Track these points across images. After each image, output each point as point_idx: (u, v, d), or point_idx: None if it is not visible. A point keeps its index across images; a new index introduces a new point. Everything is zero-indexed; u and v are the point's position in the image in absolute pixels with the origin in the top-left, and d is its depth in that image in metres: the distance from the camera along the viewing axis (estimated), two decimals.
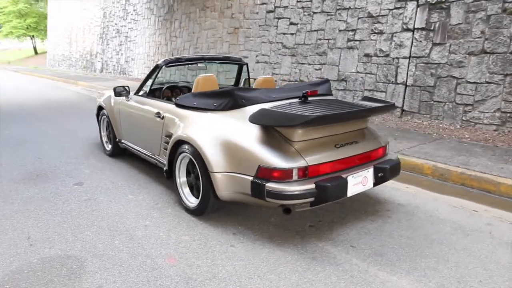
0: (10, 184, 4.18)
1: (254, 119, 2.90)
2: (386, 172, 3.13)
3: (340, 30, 7.73)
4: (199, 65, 4.61)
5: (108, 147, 5.19)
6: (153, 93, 4.52)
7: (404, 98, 6.66)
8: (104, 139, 5.30)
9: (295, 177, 2.77)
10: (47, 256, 2.76)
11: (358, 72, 7.37)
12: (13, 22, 36.14)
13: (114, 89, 4.41)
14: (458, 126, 5.95)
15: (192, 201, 3.39)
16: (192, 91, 3.88)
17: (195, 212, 3.33)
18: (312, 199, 2.75)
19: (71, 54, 23.25)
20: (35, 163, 4.93)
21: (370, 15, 7.15)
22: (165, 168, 3.66)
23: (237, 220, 3.27)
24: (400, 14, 6.70)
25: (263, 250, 2.81)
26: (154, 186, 4.06)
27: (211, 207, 3.23)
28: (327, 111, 2.94)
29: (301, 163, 2.79)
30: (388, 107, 3.29)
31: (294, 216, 3.30)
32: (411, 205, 3.56)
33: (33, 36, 39.06)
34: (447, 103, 6.12)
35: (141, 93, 4.46)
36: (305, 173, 2.80)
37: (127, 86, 4.50)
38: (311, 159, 2.84)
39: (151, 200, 3.71)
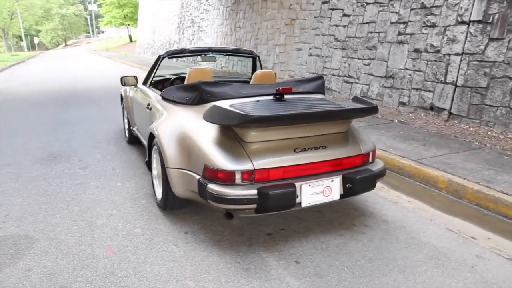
0: (28, 163, 4.57)
1: (204, 116, 2.76)
2: (354, 183, 2.78)
3: (391, 23, 7.07)
4: (208, 55, 4.55)
5: (127, 134, 5.41)
6: (157, 84, 4.58)
7: (452, 99, 5.90)
8: (126, 126, 5.53)
9: (238, 180, 2.59)
10: (8, 234, 2.95)
11: (406, 69, 6.70)
12: (113, 12, 39.60)
13: (121, 79, 4.54)
14: (510, 136, 5.10)
15: (158, 194, 3.37)
16: (184, 83, 3.84)
17: (161, 206, 3.31)
18: (254, 206, 2.55)
19: (154, 42, 24.78)
20: (62, 145, 5.33)
21: (423, 6, 6.42)
22: (146, 159, 3.68)
23: (198, 219, 3.18)
24: (456, 4, 5.90)
25: (201, 254, 2.69)
26: (147, 177, 4.12)
27: (171, 203, 3.18)
28: (283, 111, 2.69)
29: (247, 166, 2.60)
30: (366, 110, 2.92)
31: (259, 221, 3.11)
32: (397, 223, 3.14)
33: (128, 25, 42.38)
34: (500, 108, 5.28)
35: (148, 83, 4.55)
36: (251, 177, 2.61)
37: (135, 76, 4.61)
38: (260, 163, 2.63)
39: (133, 190, 3.78)
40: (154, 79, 4.64)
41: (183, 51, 4.45)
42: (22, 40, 57.72)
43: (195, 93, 3.14)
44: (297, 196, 2.63)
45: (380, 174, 3.02)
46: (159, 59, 4.31)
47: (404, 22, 6.80)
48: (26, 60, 27.99)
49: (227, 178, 2.60)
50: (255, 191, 2.54)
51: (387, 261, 2.61)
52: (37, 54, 40.41)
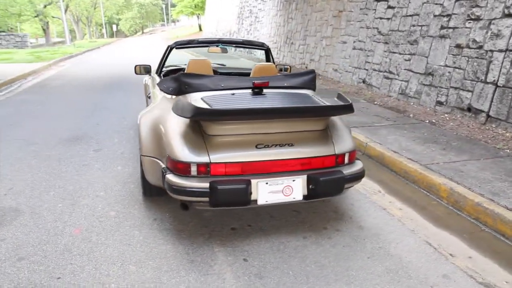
0: (52, 143, 4.96)
1: (172, 107, 2.80)
2: (317, 185, 2.66)
3: (435, 16, 6.54)
4: (218, 47, 4.56)
5: None
6: (170, 73, 4.70)
7: (492, 101, 5.34)
8: None
9: (194, 172, 2.61)
10: (1, 206, 3.25)
11: (446, 65, 6.17)
12: (184, 2, 40.95)
13: (135, 67, 4.72)
14: None
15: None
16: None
17: (143, 192, 3.43)
18: (206, 199, 2.56)
19: (217, 31, 25.30)
20: (90, 128, 5.70)
21: None
22: (139, 146, 3.82)
23: (173, 208, 3.24)
24: None
25: (158, 241, 2.76)
26: None
27: (148, 190, 3.28)
28: (247, 106, 2.65)
29: (204, 159, 2.60)
30: (336, 108, 2.76)
31: (230, 215, 3.10)
32: (372, 231, 2.95)
33: (198, 14, 43.59)
34: None
35: (158, 72, 4.68)
36: (207, 171, 2.61)
37: (148, 65, 4.77)
38: (217, 157, 2.62)
39: (128, 175, 3.95)
40: (167, 68, 4.77)
41: (191, 42, 4.50)
42: (104, 28, 62.12)
43: (175, 84, 3.19)
44: (251, 193, 2.58)
45: (352, 178, 2.84)
46: (168, 49, 4.42)
47: (447, 15, 6.25)
48: (102, 47, 29.97)
49: (184, 169, 2.62)
50: (206, 185, 2.54)
51: (339, 270, 2.47)
52: (114, 41, 43.10)
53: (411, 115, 6.13)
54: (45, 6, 34.85)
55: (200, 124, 2.74)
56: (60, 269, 2.43)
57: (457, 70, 5.96)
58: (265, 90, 3.10)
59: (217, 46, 4.60)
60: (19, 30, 38.91)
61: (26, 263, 2.49)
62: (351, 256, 2.61)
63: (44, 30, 37.03)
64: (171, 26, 73.69)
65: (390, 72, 7.57)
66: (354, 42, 8.98)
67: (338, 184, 2.73)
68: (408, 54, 7.11)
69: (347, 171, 2.83)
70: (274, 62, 4.81)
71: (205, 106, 2.73)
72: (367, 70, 8.36)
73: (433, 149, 4.47)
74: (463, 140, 4.84)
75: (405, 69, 7.16)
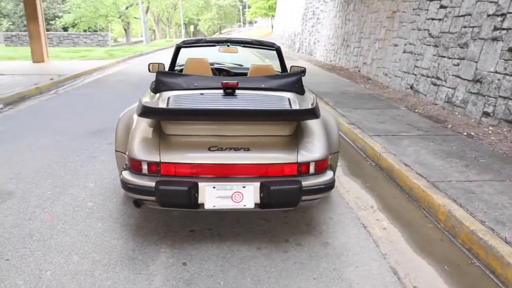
0: (78, 135, 5.29)
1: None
2: (267, 194, 2.49)
3: (488, 15, 5.85)
4: (224, 47, 4.51)
5: None
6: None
7: None
8: None
9: (145, 171, 2.60)
10: (2, 189, 3.53)
11: (496, 72, 5.48)
12: (258, 3, 41.54)
13: (148, 65, 4.84)
14: None
15: None
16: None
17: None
18: (153, 198, 2.53)
19: (284, 33, 25.26)
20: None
21: None
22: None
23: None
24: None
25: (114, 235, 2.81)
26: None
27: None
28: (202, 106, 2.58)
29: (154, 158, 2.59)
30: (294, 113, 2.57)
31: (199, 217, 3.04)
32: (337, 250, 2.70)
33: (272, 15, 43.97)
34: None
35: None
36: (157, 170, 2.58)
37: (162, 64, 4.86)
38: (168, 157, 2.58)
39: None
40: (181, 67, 4.83)
41: (199, 41, 4.51)
42: (183, 28, 65.20)
43: (154, 82, 3.20)
44: (196, 196, 2.49)
45: (314, 190, 2.62)
46: (176, 48, 4.48)
47: (502, 14, 5.55)
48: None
49: (136, 167, 2.63)
50: (152, 184, 2.51)
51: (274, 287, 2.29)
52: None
53: (449, 125, 5.55)
54: (126, 8, 37.55)
55: (160, 124, 2.72)
56: (13, 252, 2.56)
57: (507, 77, 5.27)
58: (239, 91, 2.99)
59: (228, 46, 4.55)
60: (110, 30, 42.27)
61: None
62: (296, 275, 2.41)
63: (125, 30, 39.90)
64: (247, 27, 75.30)
65: (438, 78, 6.93)
66: (405, 45, 8.38)
67: (291, 196, 2.53)
68: (457, 58, 6.44)
69: (309, 182, 2.62)
70: (284, 63, 4.65)
71: (164, 105, 2.70)
72: (415, 75, 7.76)
73: (453, 164, 3.99)
74: (496, 157, 4.26)
75: (453, 75, 6.51)
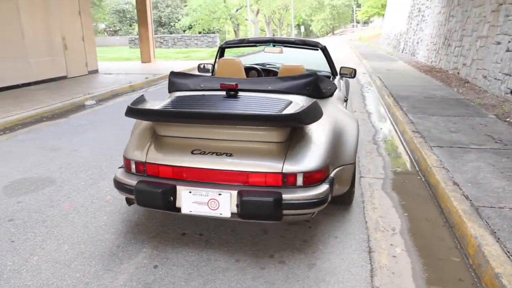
0: None
1: None
2: (241, 205, 2.33)
3: None
4: (270, 47, 4.38)
5: None
6: None
7: None
8: None
9: (133, 170, 2.67)
10: (50, 176, 3.95)
11: None
12: (370, 2, 39.73)
13: (198, 66, 4.94)
14: None
15: None
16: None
17: None
18: (133, 197, 2.57)
19: (390, 32, 23.73)
20: None
21: None
22: None
23: None
24: None
25: (108, 230, 2.91)
26: None
27: None
28: (194, 108, 2.54)
29: (141, 158, 2.63)
30: (273, 118, 2.34)
31: (192, 219, 3.01)
32: (320, 274, 2.40)
33: (383, 15, 41.71)
34: None
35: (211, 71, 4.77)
36: (144, 170, 2.62)
37: (211, 64, 4.92)
38: (153, 157, 2.60)
39: None
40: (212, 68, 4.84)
41: (242, 41, 4.45)
42: (293, 29, 65.74)
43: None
44: (171, 199, 2.45)
45: (298, 205, 2.36)
46: (219, 49, 4.49)
47: None
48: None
49: (127, 165, 2.70)
50: (134, 183, 2.54)
51: None
52: None
53: None
54: (237, 10, 39.31)
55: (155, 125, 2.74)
56: (21, 235, 2.84)
57: None
58: (242, 94, 2.86)
59: (273, 45, 4.40)
60: (227, 32, 44.61)
61: (12, 224, 2.99)
62: None
63: (234, 31, 41.80)
64: (359, 27, 72.74)
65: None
66: (509, 42, 7.15)
67: (265, 208, 2.31)
68: None
69: (294, 195, 2.37)
70: (331, 63, 4.34)
71: (161, 105, 2.71)
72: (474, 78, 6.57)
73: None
74: None
75: None
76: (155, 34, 40.80)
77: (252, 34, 34.88)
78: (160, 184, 2.48)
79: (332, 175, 2.64)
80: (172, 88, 3.12)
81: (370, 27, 75.53)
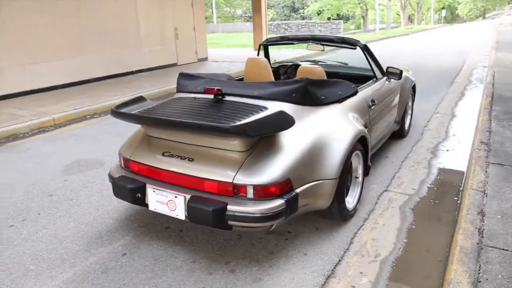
0: None
1: None
2: (187, 209, 2.43)
3: None
4: (312, 45, 4.23)
5: None
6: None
7: None
8: None
9: (122, 165, 2.97)
10: (100, 159, 4.57)
11: None
12: None
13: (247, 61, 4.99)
14: None
15: None
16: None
17: None
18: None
19: None
20: None
21: None
22: None
23: None
24: None
25: (101, 216, 3.27)
26: None
27: None
28: (165, 115, 2.70)
29: (127, 154, 2.91)
30: (208, 128, 2.35)
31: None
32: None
33: None
34: None
35: None
36: (127, 165, 2.90)
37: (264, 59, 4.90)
38: (135, 155, 2.86)
39: None
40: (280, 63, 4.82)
41: (283, 38, 4.36)
42: (433, 13, 59.49)
43: None
44: (140, 196, 2.66)
45: (240, 218, 2.33)
46: (263, 47, 4.50)
47: None
48: (412, 34, 29.12)
49: (119, 160, 3.01)
50: (117, 176, 2.84)
51: None
52: (437, 27, 40.66)
53: None
54: None
55: None
56: (48, 209, 3.40)
57: None
58: (229, 98, 2.90)
59: (311, 43, 4.23)
60: (361, 18, 42.70)
61: (49, 199, 3.60)
62: None
63: (363, 17, 39.80)
64: None
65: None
66: None
67: (205, 216, 2.34)
68: None
69: (240, 207, 2.35)
70: (375, 62, 3.98)
71: (145, 108, 2.92)
72: None
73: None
74: None
75: None
76: (287, 19, 41.64)
77: (381, 19, 32.80)
78: (134, 180, 2.71)
79: (299, 190, 2.52)
80: (177, 89, 3.30)
81: None
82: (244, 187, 2.39)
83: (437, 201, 3.39)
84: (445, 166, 4.12)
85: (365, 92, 3.59)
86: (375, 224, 3.04)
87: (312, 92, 2.88)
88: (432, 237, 2.86)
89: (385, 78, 4.13)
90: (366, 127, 3.42)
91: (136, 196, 2.67)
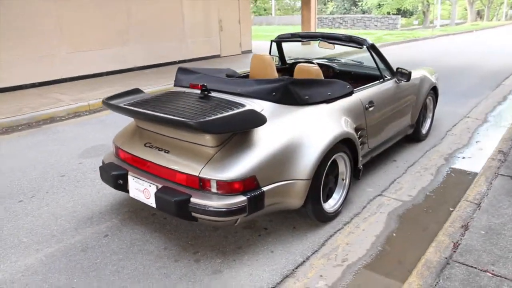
0: None
1: None
2: (155, 198, 2.57)
3: None
4: (323, 42, 4.19)
5: None
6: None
7: None
8: None
9: (114, 152, 3.17)
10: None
11: None
12: None
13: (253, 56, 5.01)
14: None
15: None
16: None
17: None
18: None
19: None
20: None
21: None
22: None
23: None
24: None
25: (103, 199, 3.50)
26: None
27: None
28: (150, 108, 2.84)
29: (118, 142, 3.11)
30: (178, 123, 2.43)
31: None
32: (215, 283, 2.43)
33: None
34: None
35: None
36: (118, 153, 3.10)
37: (274, 56, 4.94)
38: (123, 144, 3.05)
39: None
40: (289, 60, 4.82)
41: (294, 35, 4.35)
42: (505, 8, 54.90)
43: None
44: (121, 182, 2.84)
45: (201, 211, 2.41)
46: (275, 44, 4.52)
47: None
48: (476, 31, 27.31)
49: (113, 148, 3.21)
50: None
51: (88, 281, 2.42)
52: (506, 24, 37.67)
53: None
54: None
55: None
56: (56, 189, 3.71)
57: None
58: (215, 94, 2.99)
59: (321, 40, 4.18)
60: (434, 15, 40.65)
61: (60, 179, 3.92)
62: (146, 281, 2.41)
63: (423, 12, 37.75)
64: None
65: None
66: None
67: (169, 206, 2.47)
68: None
69: (202, 200, 2.44)
70: (383, 61, 3.86)
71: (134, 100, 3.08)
72: None
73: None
74: None
75: None
76: (347, 13, 40.63)
77: (449, 15, 30.93)
78: (119, 167, 2.90)
79: (266, 188, 2.56)
80: (174, 83, 3.44)
81: None
82: (208, 181, 2.47)
83: (430, 211, 3.25)
84: (453, 174, 3.92)
85: (363, 93, 3.50)
86: (355, 229, 3.00)
87: (294, 92, 2.88)
88: (409, 248, 2.76)
89: (394, 79, 3.98)
90: (360, 129, 3.35)
91: (118, 182, 2.85)
